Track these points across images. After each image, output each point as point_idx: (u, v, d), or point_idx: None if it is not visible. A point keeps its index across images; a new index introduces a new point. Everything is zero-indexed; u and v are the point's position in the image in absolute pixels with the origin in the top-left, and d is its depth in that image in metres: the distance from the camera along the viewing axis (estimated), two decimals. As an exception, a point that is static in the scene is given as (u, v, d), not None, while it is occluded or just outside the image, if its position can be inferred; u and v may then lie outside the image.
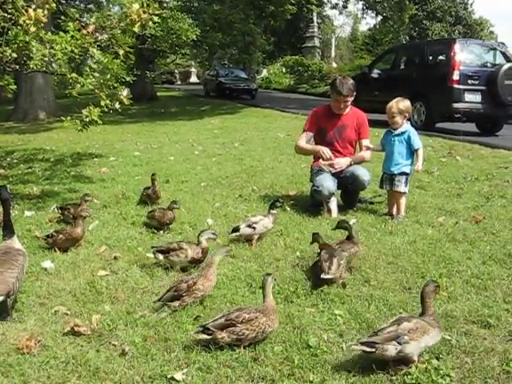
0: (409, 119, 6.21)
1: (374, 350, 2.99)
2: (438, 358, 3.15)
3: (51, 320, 3.74)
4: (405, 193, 6.15)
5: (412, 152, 6.12)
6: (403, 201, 6.15)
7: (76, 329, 3.52)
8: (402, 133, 6.09)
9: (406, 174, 6.14)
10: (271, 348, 3.29)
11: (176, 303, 3.82)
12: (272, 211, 5.38)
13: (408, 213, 6.18)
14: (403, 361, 3.03)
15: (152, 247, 4.84)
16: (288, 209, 6.51)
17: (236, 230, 5.30)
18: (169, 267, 4.67)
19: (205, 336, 3.26)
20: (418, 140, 6.11)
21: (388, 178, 6.22)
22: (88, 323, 3.63)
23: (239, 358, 3.19)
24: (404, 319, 3.13)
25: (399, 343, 2.98)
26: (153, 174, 6.83)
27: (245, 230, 5.25)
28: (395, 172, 6.12)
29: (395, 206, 6.18)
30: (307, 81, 37.70)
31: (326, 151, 6.35)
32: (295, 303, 3.94)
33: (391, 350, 2.99)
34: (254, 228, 5.23)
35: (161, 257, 4.67)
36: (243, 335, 3.26)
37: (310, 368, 3.09)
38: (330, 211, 6.25)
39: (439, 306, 3.81)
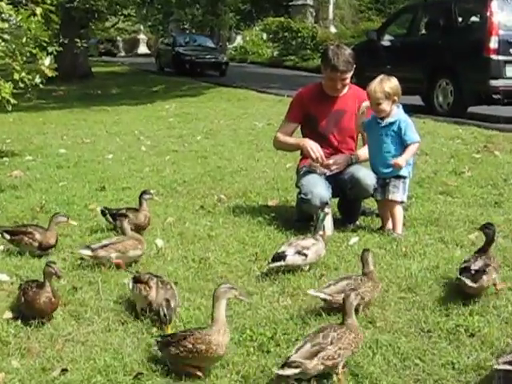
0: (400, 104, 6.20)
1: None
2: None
3: None
4: (402, 202, 6.18)
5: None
6: (400, 213, 6.16)
7: (-30, 394, 3.45)
8: (391, 123, 6.06)
9: (404, 177, 6.14)
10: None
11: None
12: (320, 232, 5.21)
13: (428, 228, 6.19)
14: None
15: None
16: (267, 224, 6.52)
17: (280, 258, 5.12)
18: (100, 308, 4.62)
19: (292, 370, 3.42)
20: (412, 132, 6.08)
21: (379, 184, 6.19)
22: (-13, 385, 3.57)
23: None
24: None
25: None
26: (144, 192, 6.49)
27: (294, 258, 5.12)
28: (388, 175, 6.12)
29: (390, 220, 6.24)
30: (296, 51, 37.81)
31: (314, 148, 6.33)
32: (273, 353, 3.91)
33: None
34: (306, 256, 5.12)
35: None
36: (339, 357, 3.53)
37: None
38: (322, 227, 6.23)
39: (468, 354, 3.81)
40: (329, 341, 3.51)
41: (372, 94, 6.05)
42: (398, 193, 6.09)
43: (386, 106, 6.03)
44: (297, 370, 3.41)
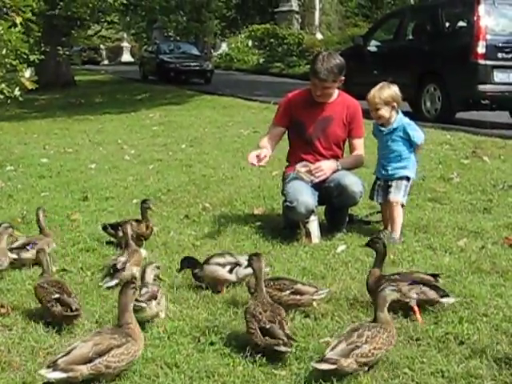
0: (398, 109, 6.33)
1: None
2: None
3: None
4: (402, 205, 6.25)
5: (414, 147, 6.29)
6: (399, 216, 6.21)
7: None
8: (395, 129, 6.21)
9: (408, 178, 6.24)
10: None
11: None
12: None
13: (416, 234, 6.20)
14: None
15: None
16: (253, 233, 6.51)
17: None
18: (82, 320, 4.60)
19: (328, 366, 3.58)
20: (418, 133, 6.26)
21: (382, 186, 6.29)
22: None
23: None
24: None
25: None
26: (143, 201, 6.53)
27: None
28: (394, 176, 6.19)
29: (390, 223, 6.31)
30: (282, 58, 37.90)
31: (256, 157, 6.27)
32: (259, 363, 3.88)
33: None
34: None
35: None
36: (372, 356, 3.68)
37: None
38: (309, 235, 6.23)
39: (458, 361, 3.80)
40: (363, 339, 3.67)
41: (371, 100, 6.22)
42: (399, 194, 6.18)
43: (384, 112, 6.17)
44: (333, 366, 3.57)
